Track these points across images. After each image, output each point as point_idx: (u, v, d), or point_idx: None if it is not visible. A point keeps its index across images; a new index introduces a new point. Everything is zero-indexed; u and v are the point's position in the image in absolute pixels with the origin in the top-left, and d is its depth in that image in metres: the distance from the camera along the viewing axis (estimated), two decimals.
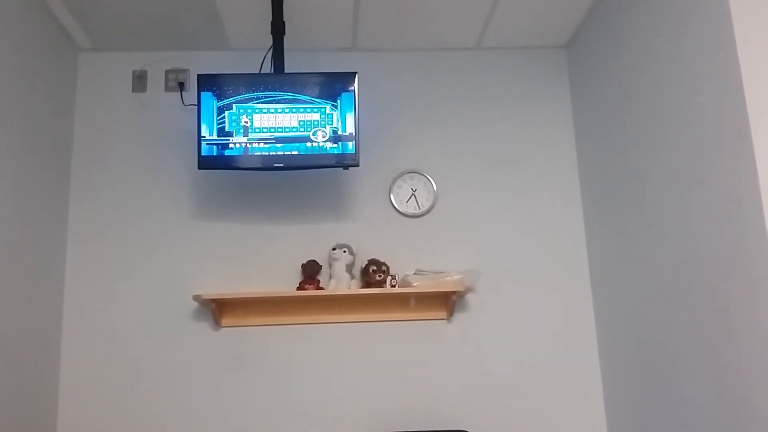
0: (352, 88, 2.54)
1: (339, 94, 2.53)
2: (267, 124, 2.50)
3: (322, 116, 2.52)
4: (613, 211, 2.62)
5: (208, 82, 2.51)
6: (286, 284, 2.76)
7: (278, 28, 2.61)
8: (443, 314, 2.77)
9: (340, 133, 2.52)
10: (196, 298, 2.61)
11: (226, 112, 2.50)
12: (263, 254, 2.79)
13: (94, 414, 2.63)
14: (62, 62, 2.77)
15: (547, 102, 3.01)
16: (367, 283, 2.71)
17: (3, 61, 2.28)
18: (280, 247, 2.80)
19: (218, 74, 2.53)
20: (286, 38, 2.64)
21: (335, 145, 2.51)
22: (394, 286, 2.69)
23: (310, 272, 2.71)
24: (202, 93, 2.51)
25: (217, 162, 2.50)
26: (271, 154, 2.49)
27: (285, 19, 2.63)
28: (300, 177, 2.85)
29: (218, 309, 2.68)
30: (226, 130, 2.49)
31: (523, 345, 2.78)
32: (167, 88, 2.91)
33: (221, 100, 2.50)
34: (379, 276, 2.67)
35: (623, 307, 2.54)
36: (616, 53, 2.55)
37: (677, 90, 2.10)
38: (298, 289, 2.68)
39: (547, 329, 2.80)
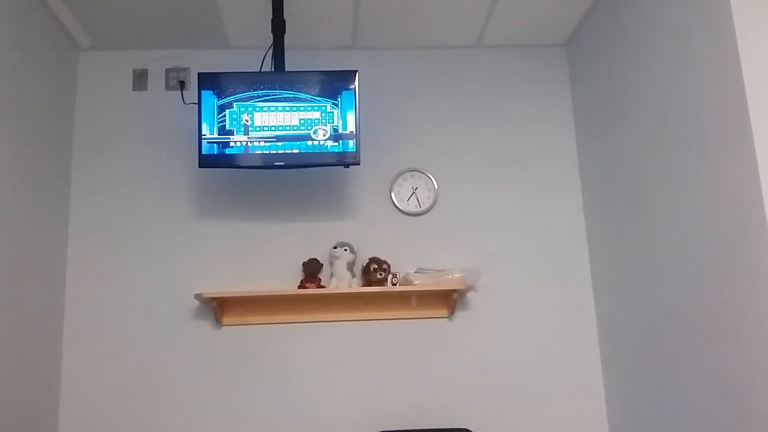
0: (353, 86, 2.54)
1: (340, 93, 2.53)
2: (268, 122, 2.50)
3: (323, 114, 2.52)
4: (613, 209, 2.62)
5: (209, 81, 2.51)
6: (288, 283, 2.76)
7: (279, 27, 2.61)
8: (444, 312, 2.78)
9: (340, 131, 2.52)
10: (198, 296, 2.61)
11: (227, 111, 2.50)
12: (264, 253, 2.79)
13: (96, 412, 2.63)
14: (63, 61, 2.77)
15: (548, 100, 3.00)
16: (368, 281, 2.71)
17: (3, 60, 2.28)
18: (281, 246, 2.80)
19: (219, 73, 2.53)
20: (286, 37, 2.64)
21: (336, 144, 2.51)
22: (395, 285, 2.70)
23: (311, 271, 2.71)
24: (203, 91, 2.50)
25: (217, 160, 2.50)
26: (271, 152, 2.49)
27: (285, 17, 2.63)
28: (301, 175, 2.85)
29: (219, 307, 2.68)
30: (227, 128, 2.49)
31: (525, 343, 2.78)
32: (168, 87, 2.91)
33: (222, 99, 2.50)
34: (380, 274, 2.67)
35: (624, 306, 2.54)
36: (617, 51, 2.55)
37: (678, 88, 2.10)
38: (300, 287, 2.68)
39: (548, 328, 2.80)
